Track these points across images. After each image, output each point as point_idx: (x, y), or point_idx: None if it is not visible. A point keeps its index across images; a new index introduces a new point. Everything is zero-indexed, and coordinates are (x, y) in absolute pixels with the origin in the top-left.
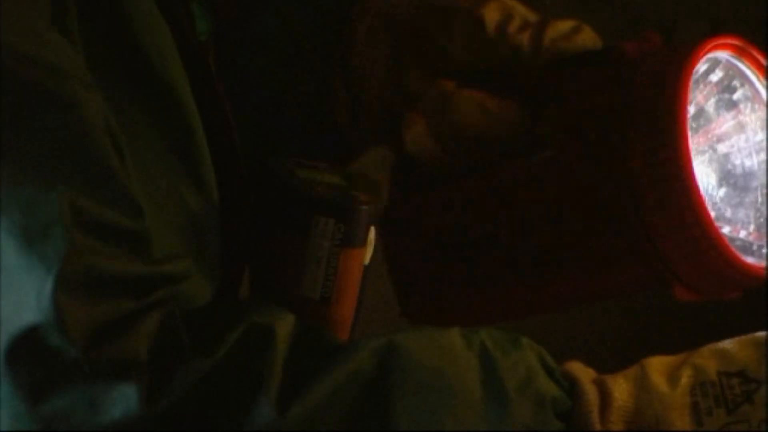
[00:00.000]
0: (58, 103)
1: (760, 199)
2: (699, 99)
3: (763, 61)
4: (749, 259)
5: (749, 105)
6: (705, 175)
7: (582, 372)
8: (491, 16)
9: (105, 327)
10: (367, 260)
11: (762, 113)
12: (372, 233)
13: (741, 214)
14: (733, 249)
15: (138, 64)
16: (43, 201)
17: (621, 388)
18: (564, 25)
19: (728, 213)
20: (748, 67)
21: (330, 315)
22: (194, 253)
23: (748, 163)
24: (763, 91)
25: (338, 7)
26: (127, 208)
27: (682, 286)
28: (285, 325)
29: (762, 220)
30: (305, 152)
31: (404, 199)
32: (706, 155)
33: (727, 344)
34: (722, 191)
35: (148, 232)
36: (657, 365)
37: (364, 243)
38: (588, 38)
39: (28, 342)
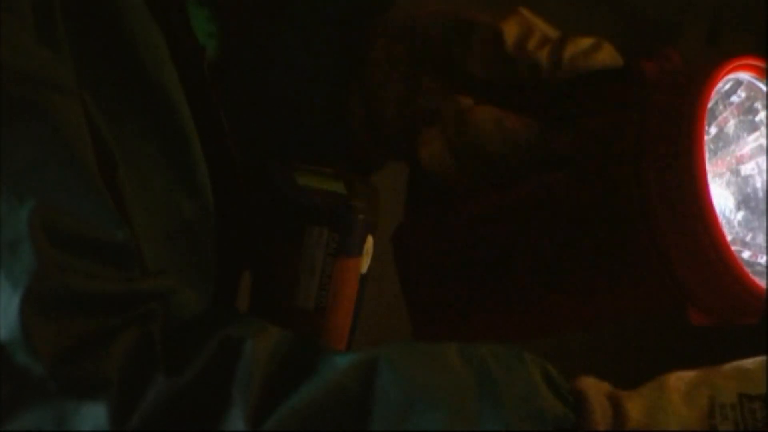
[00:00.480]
0: (31, 112)
1: None
2: (720, 120)
3: None
4: None
5: None
6: (723, 198)
7: (593, 388)
8: (511, 31)
9: (75, 345)
10: (364, 269)
11: None
12: (369, 242)
13: (760, 238)
14: (751, 274)
15: (131, 70)
16: (13, 217)
17: (636, 405)
18: (584, 42)
19: (747, 237)
20: None
21: (325, 325)
22: (187, 260)
23: None
24: None
25: (357, 21)
26: (106, 221)
27: (697, 310)
28: (264, 338)
29: None
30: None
31: (418, 216)
32: (725, 178)
33: (749, 364)
34: (741, 215)
35: (131, 243)
36: (675, 383)
37: (360, 252)
38: (608, 56)
39: None
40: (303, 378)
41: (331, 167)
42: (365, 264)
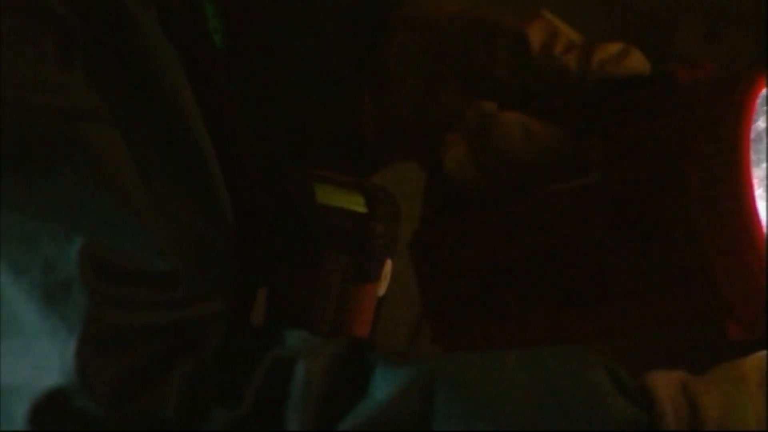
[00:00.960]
0: (70, 148)
1: None
2: (759, 124)
3: None
4: None
5: None
6: (764, 210)
7: (663, 385)
8: (536, 35)
9: (131, 381)
10: (381, 292)
11: None
12: (388, 265)
13: None
14: None
15: (149, 95)
16: (62, 257)
17: (714, 401)
18: (612, 48)
19: None
20: None
21: None
22: (207, 280)
23: None
24: None
25: (370, 15)
26: (151, 252)
27: (736, 323)
28: (315, 357)
29: None
30: (331, 165)
31: (438, 221)
32: (764, 186)
33: None
34: None
35: (173, 270)
36: (752, 373)
37: (378, 277)
38: (637, 62)
39: (52, 404)
40: (358, 397)
41: (350, 176)
42: (383, 287)
